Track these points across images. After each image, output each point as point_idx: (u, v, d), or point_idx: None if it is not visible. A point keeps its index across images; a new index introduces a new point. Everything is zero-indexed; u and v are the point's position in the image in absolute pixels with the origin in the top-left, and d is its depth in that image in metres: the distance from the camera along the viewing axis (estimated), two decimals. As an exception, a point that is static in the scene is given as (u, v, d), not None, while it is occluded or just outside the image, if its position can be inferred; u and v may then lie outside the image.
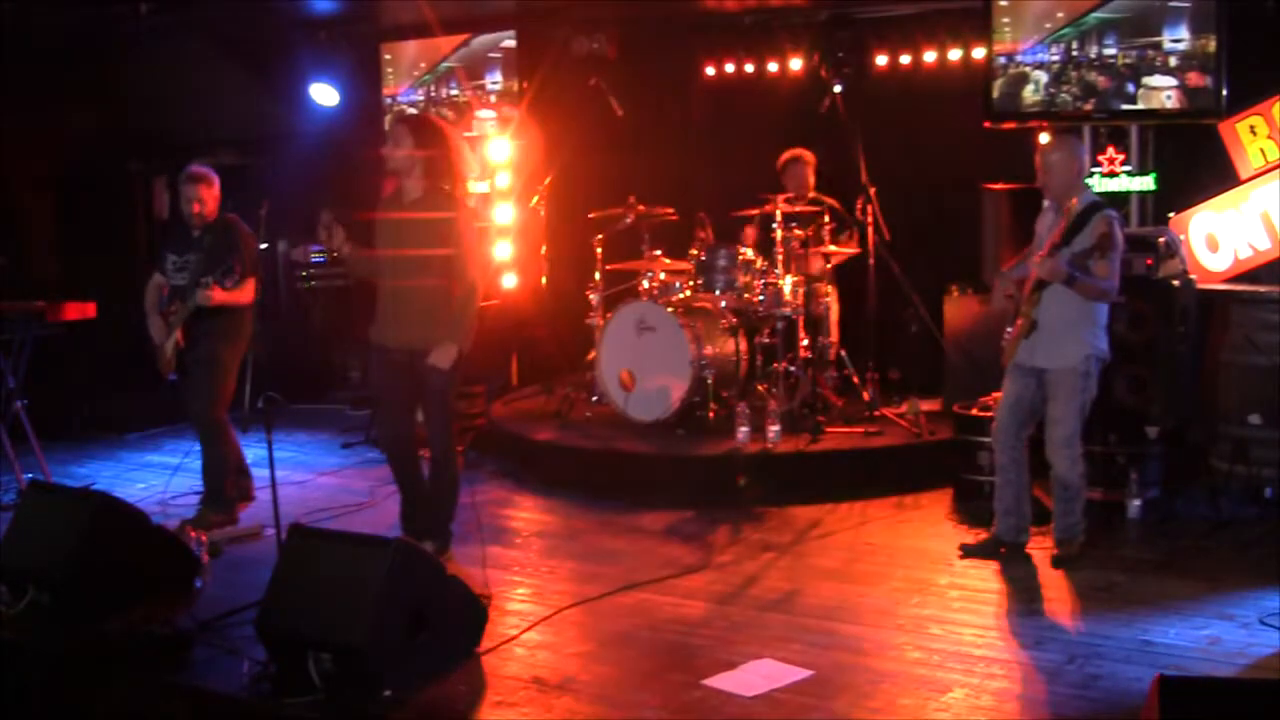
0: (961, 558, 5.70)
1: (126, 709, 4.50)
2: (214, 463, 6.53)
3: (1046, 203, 5.73)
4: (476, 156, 9.24)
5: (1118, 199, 7.41)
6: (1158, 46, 6.78)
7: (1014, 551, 5.67)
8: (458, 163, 5.52)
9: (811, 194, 7.90)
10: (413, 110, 9.04)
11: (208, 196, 6.48)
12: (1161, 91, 6.81)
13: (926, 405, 7.53)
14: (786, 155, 7.99)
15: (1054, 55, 7.04)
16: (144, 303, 6.61)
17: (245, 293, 6.37)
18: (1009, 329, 5.59)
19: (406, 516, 5.77)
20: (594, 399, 7.94)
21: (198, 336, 6.40)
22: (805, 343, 7.55)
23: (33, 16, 8.09)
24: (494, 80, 9.11)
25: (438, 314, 5.43)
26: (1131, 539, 5.98)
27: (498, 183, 9.26)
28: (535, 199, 8.63)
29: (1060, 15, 7.01)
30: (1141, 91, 6.85)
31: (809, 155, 7.96)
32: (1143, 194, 7.32)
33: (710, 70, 9.04)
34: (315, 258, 9.92)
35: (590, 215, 8.03)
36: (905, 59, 8.33)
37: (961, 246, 7.84)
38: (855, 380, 7.75)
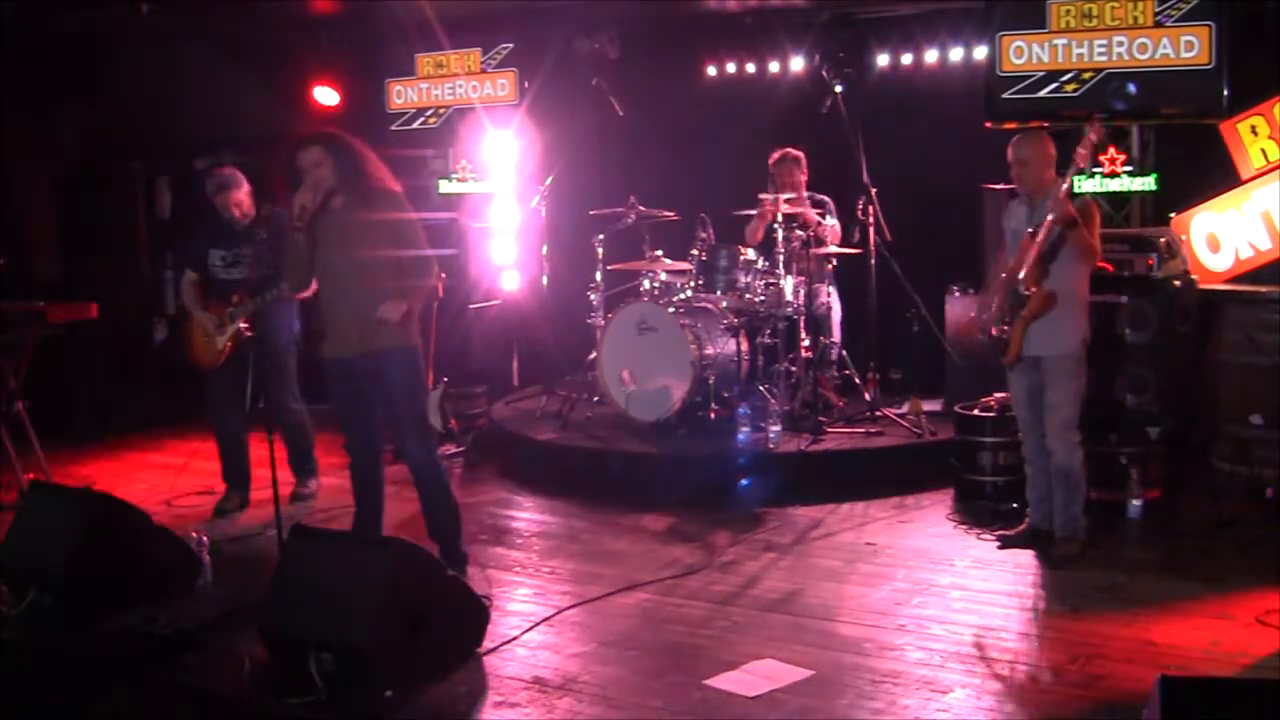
0: (1000, 548, 5.76)
1: (126, 709, 4.50)
2: (303, 441, 6.99)
3: (1014, 201, 5.78)
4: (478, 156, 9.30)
5: (1119, 199, 7.43)
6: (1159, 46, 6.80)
7: (1049, 539, 5.69)
8: (374, 163, 5.32)
9: (805, 192, 7.90)
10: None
11: (242, 197, 6.70)
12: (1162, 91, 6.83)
13: (928, 405, 7.53)
14: (776, 154, 7.97)
15: (1055, 55, 7.05)
16: (183, 301, 6.84)
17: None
18: (1005, 326, 5.57)
19: (358, 526, 5.53)
20: (595, 399, 7.94)
21: (264, 331, 6.57)
22: (806, 343, 7.55)
23: (33, 16, 8.09)
24: (495, 80, 9.10)
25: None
26: (1132, 539, 5.98)
27: (499, 183, 9.27)
28: (536, 199, 8.63)
29: (1062, 15, 7.01)
30: (1142, 91, 6.86)
31: (799, 153, 7.94)
32: (1144, 194, 7.33)
33: (711, 70, 9.04)
34: None
35: (591, 212, 8.03)
36: (906, 59, 8.33)
37: (963, 246, 7.85)
38: (856, 380, 7.75)
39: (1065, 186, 5.28)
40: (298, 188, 5.17)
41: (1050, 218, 5.30)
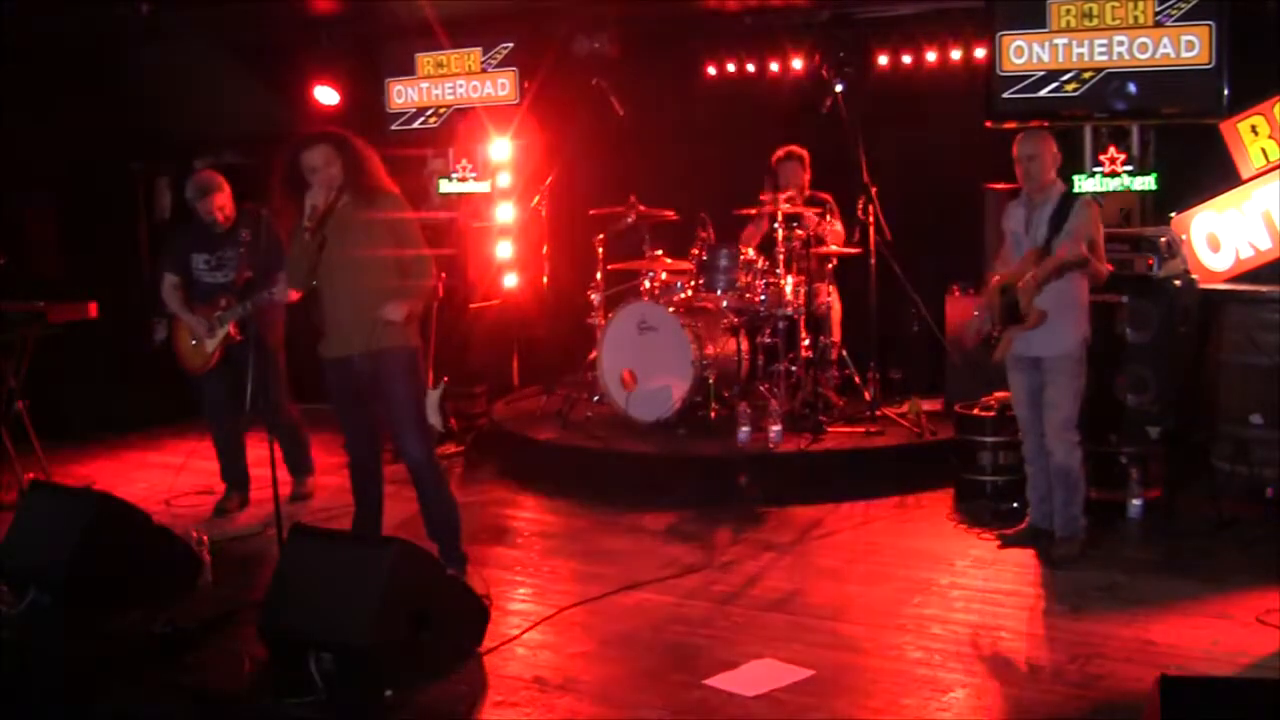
0: (1000, 547, 5.77)
1: (126, 709, 4.50)
2: (298, 442, 7.00)
3: (1013, 202, 5.79)
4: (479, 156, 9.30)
5: (1119, 199, 7.42)
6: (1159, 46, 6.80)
7: (1049, 538, 5.70)
8: (376, 162, 5.32)
9: (807, 192, 7.90)
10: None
11: (224, 200, 6.68)
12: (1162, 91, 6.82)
13: (928, 405, 7.54)
14: (780, 152, 7.98)
15: (1056, 55, 7.05)
16: (167, 306, 6.78)
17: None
18: (995, 331, 5.57)
19: (357, 525, 5.53)
20: (595, 399, 7.94)
21: (258, 332, 6.49)
22: (806, 342, 7.55)
23: (33, 16, 8.09)
24: (495, 80, 9.10)
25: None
26: (1132, 539, 5.98)
27: (499, 182, 9.27)
28: (536, 199, 8.63)
29: (1062, 14, 7.01)
30: (1142, 91, 6.85)
31: (803, 152, 7.95)
32: (1144, 194, 7.32)
33: (712, 70, 9.03)
34: None
35: (591, 212, 8.03)
36: (907, 59, 8.32)
37: (963, 246, 7.84)
38: (856, 380, 7.75)
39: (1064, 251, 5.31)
40: (297, 187, 5.16)
41: (1059, 263, 5.31)
